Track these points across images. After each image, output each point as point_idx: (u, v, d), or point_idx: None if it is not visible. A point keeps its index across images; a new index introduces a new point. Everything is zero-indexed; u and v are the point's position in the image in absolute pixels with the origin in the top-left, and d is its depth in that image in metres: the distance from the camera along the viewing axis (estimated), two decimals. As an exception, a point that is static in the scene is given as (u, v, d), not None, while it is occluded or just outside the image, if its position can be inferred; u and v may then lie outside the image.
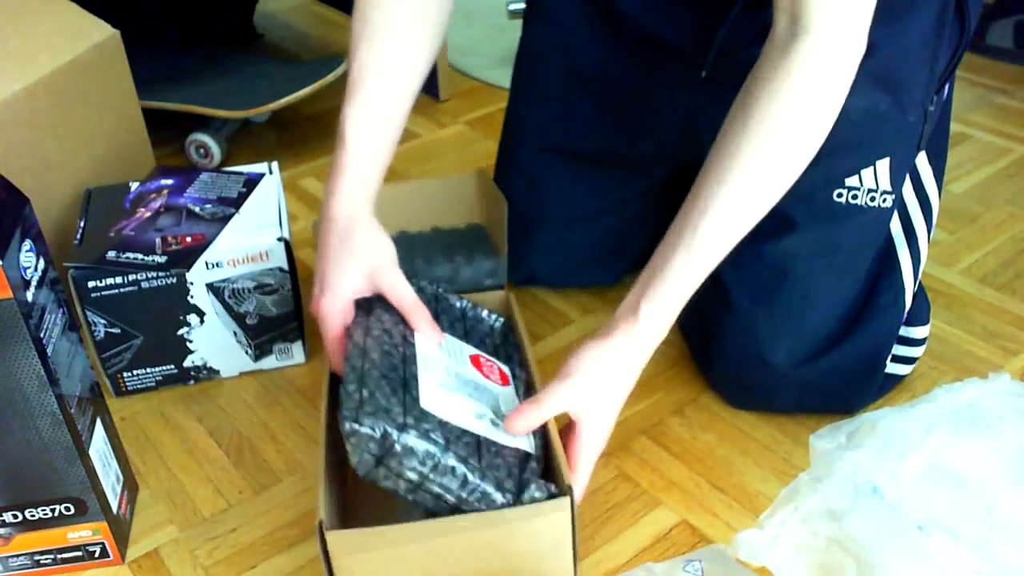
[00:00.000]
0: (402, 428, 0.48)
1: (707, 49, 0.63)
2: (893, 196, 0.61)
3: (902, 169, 0.61)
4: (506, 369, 0.60)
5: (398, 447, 0.47)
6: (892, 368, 0.66)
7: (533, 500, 0.49)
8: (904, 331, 0.65)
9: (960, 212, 0.89)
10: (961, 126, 1.04)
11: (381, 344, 0.54)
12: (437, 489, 0.49)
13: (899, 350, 0.66)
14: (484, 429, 0.52)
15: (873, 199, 0.61)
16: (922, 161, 0.64)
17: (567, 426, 0.54)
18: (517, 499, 0.49)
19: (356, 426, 0.47)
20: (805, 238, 0.61)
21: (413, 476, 0.48)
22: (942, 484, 0.52)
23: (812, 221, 0.61)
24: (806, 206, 0.60)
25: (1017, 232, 0.86)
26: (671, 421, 0.67)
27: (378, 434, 0.47)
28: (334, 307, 0.56)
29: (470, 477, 0.48)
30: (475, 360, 0.58)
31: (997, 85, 1.13)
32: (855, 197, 0.61)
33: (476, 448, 0.51)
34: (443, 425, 0.50)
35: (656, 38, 0.66)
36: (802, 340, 0.62)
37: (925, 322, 0.66)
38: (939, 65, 0.60)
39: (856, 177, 0.61)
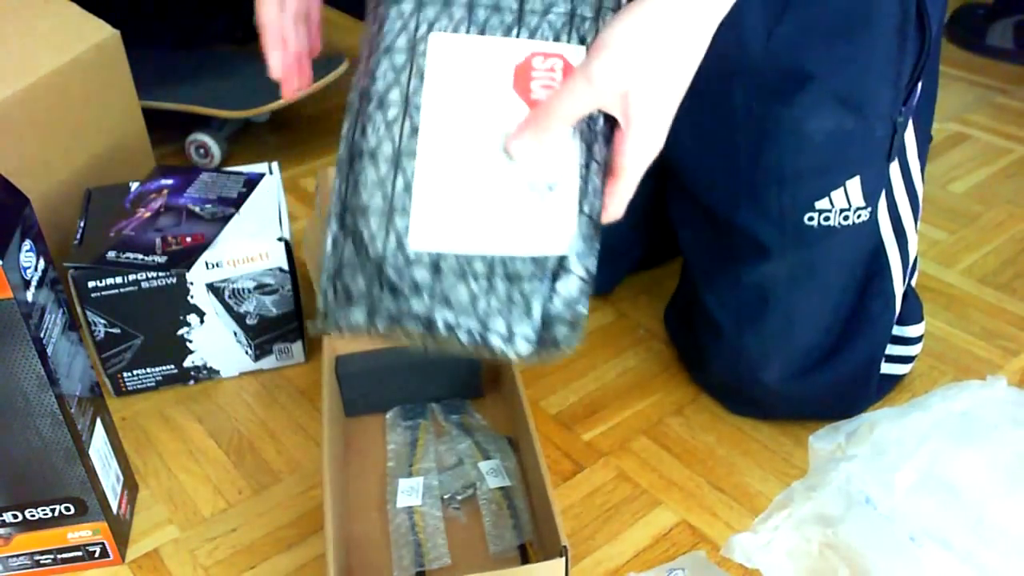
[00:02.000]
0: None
1: None
2: (869, 210, 0.60)
3: (875, 183, 0.60)
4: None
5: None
6: (891, 368, 0.66)
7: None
8: (899, 330, 0.65)
9: (960, 212, 0.89)
10: (961, 126, 1.04)
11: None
12: None
13: (896, 350, 0.66)
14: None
15: (847, 218, 0.60)
16: (912, 157, 0.64)
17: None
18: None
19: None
20: (781, 263, 0.60)
21: None
22: (934, 494, 0.53)
23: (786, 247, 0.60)
24: (778, 232, 0.60)
25: (1017, 232, 0.86)
26: (671, 421, 0.67)
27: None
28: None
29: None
30: (524, 66, 0.46)
31: (997, 85, 1.13)
32: (827, 219, 0.60)
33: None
34: None
35: None
36: (793, 358, 0.62)
37: (919, 320, 0.66)
38: (903, 79, 0.58)
39: (826, 199, 0.59)
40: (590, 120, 0.45)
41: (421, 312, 0.44)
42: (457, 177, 0.44)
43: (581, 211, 0.45)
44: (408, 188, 0.44)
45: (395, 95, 0.45)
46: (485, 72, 0.45)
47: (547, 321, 0.44)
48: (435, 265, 0.44)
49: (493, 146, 0.45)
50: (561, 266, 0.45)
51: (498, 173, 0.45)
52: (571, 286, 0.44)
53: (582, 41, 0.46)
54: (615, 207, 0.46)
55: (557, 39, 0.46)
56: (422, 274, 0.44)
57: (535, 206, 0.45)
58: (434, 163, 0.44)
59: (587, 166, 0.46)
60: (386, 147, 0.44)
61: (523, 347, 0.44)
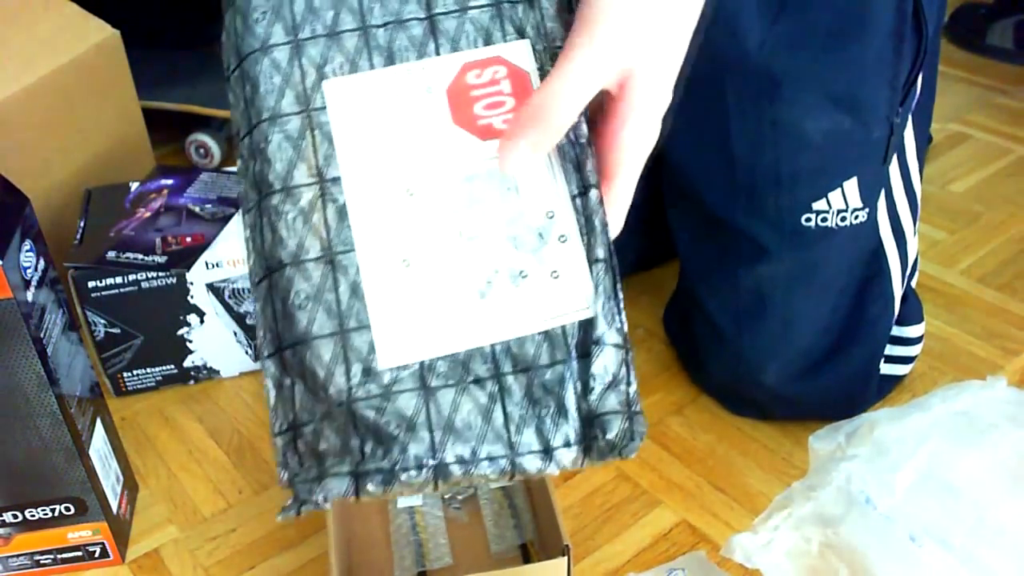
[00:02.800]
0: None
1: None
2: (867, 211, 0.60)
3: (872, 184, 0.60)
4: (533, 75, 0.36)
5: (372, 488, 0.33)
6: (891, 369, 0.66)
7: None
8: (898, 331, 0.65)
9: (960, 212, 0.89)
10: (961, 126, 1.04)
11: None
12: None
13: (896, 350, 0.66)
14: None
15: (844, 219, 0.60)
16: (911, 158, 0.64)
17: (602, 108, 0.36)
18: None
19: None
20: (779, 264, 0.60)
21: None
22: (934, 494, 0.53)
23: (783, 247, 0.60)
24: (776, 232, 0.60)
25: (1017, 232, 0.86)
26: (671, 421, 0.67)
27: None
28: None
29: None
30: (457, 87, 0.36)
31: (997, 85, 1.13)
32: (824, 220, 0.60)
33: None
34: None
35: None
36: (792, 359, 0.62)
37: (919, 320, 0.66)
38: (900, 79, 0.58)
39: (824, 200, 0.59)
40: (572, 130, 0.34)
41: (423, 454, 0.32)
42: (418, 253, 0.34)
43: (593, 256, 0.34)
44: (357, 291, 0.33)
45: (302, 174, 0.34)
46: (410, 111, 0.35)
47: (590, 416, 0.33)
48: (423, 382, 0.33)
49: (452, 201, 0.34)
50: (587, 336, 0.33)
51: (469, 233, 0.34)
52: (608, 360, 0.33)
53: (520, 33, 0.36)
54: (615, 217, 0.37)
55: (488, 40, 0.36)
56: (409, 401, 0.33)
57: (530, 265, 0.34)
58: (383, 246, 0.34)
59: (584, 194, 0.35)
60: (312, 246, 0.33)
61: (568, 458, 0.33)
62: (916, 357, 0.68)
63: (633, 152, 0.37)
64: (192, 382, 0.72)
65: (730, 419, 0.67)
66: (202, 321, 0.69)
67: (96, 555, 0.57)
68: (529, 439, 0.33)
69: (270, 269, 0.34)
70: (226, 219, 0.69)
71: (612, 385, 0.34)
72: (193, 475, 0.64)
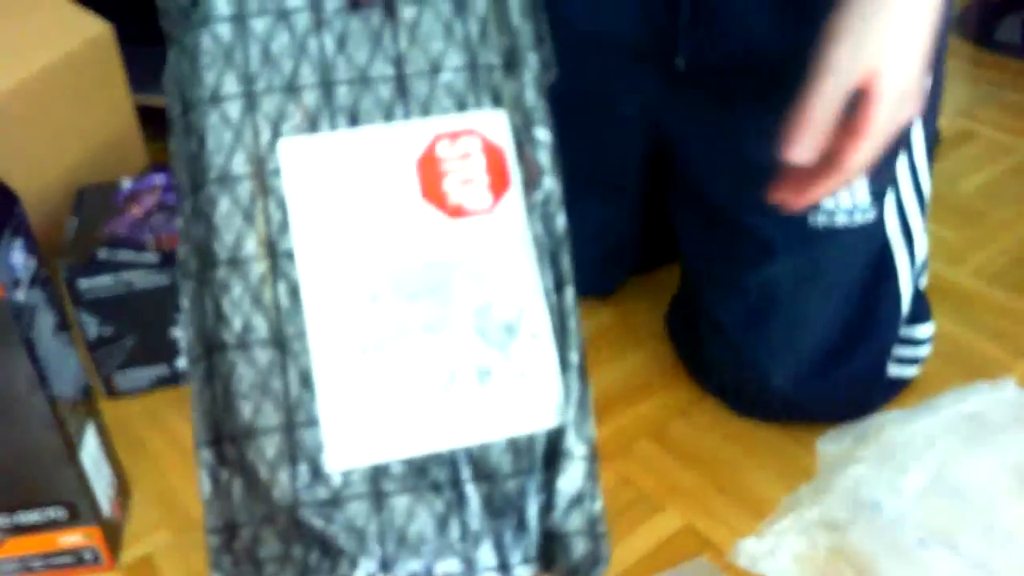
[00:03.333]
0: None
1: (667, 40, 0.58)
2: (875, 209, 0.59)
3: (881, 182, 0.59)
4: (510, 157, 0.35)
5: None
6: (899, 370, 0.66)
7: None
8: (907, 331, 0.65)
9: (968, 210, 0.88)
10: (968, 123, 1.03)
11: None
12: None
13: (904, 351, 0.65)
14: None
15: (852, 218, 0.59)
16: (919, 156, 0.63)
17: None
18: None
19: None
20: (786, 264, 0.60)
21: None
22: (943, 498, 0.52)
23: (791, 247, 0.59)
24: (783, 232, 0.59)
25: (1025, 231, 0.85)
26: (674, 424, 0.66)
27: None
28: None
29: None
30: (427, 158, 0.34)
31: (1006, 81, 1.12)
32: (833, 219, 0.59)
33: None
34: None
35: (607, 37, 0.61)
36: (799, 360, 0.61)
37: (927, 320, 0.66)
38: None
39: (832, 199, 0.58)
40: (545, 219, 0.33)
41: (373, 570, 0.30)
42: (377, 343, 0.31)
43: (566, 360, 0.32)
44: (308, 381, 0.30)
45: (251, 245, 0.31)
46: (374, 180, 0.32)
47: (552, 534, 0.32)
48: (375, 487, 0.30)
49: (416, 286, 0.32)
50: (554, 446, 0.31)
51: (433, 323, 0.31)
52: (574, 474, 0.32)
53: (497, 101, 0.33)
54: (856, 163, 0.46)
55: (463, 107, 0.33)
56: (360, 508, 0.30)
57: (497, 362, 0.32)
58: (339, 332, 0.31)
59: (559, 291, 0.33)
60: (259, 327, 0.30)
61: None
62: (925, 358, 0.67)
63: (886, 124, 0.45)
64: (185, 383, 0.71)
65: (735, 421, 0.66)
66: (197, 321, 0.68)
67: (88, 560, 0.56)
68: (486, 555, 0.31)
69: (211, 349, 0.31)
70: (221, 217, 0.69)
71: (577, 502, 0.32)
72: (186, 478, 0.63)
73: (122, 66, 0.82)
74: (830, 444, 0.57)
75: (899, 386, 0.66)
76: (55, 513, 0.53)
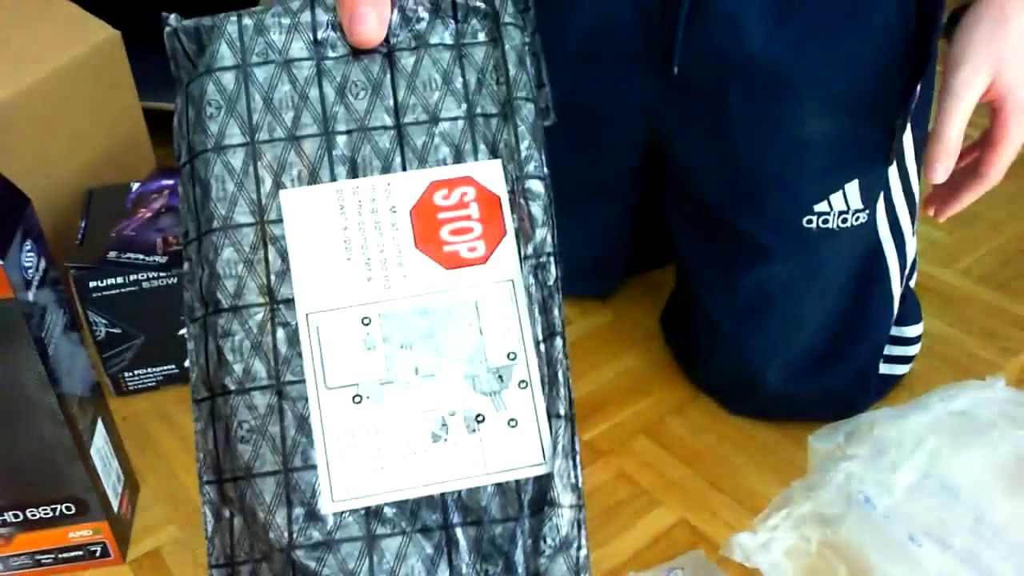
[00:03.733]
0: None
1: (663, 46, 0.58)
2: (867, 212, 0.60)
3: (873, 186, 0.60)
4: (503, 200, 0.35)
5: None
6: (890, 369, 0.67)
7: None
8: (897, 331, 0.66)
9: (959, 212, 0.89)
10: (960, 126, 1.04)
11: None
12: None
13: (894, 350, 0.66)
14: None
15: (845, 220, 0.60)
16: (910, 159, 0.64)
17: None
18: None
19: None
20: (779, 266, 0.60)
21: None
22: (933, 494, 0.53)
23: (784, 249, 0.60)
24: (777, 234, 0.60)
25: (1016, 232, 0.86)
26: (671, 421, 0.67)
27: None
28: None
29: None
30: (423, 207, 0.34)
31: (996, 85, 1.13)
32: (826, 222, 0.60)
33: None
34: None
35: (604, 43, 0.61)
36: (792, 360, 0.62)
37: (917, 320, 0.66)
38: (902, 81, 0.58)
39: (825, 202, 0.59)
40: (537, 269, 0.33)
41: None
42: (372, 389, 0.32)
43: (555, 410, 0.32)
44: (304, 426, 0.31)
45: (252, 293, 0.32)
46: (372, 230, 0.33)
47: None
48: (368, 530, 0.31)
49: (410, 334, 0.32)
50: (541, 493, 0.32)
51: (426, 370, 0.32)
52: (561, 521, 0.32)
53: (493, 151, 0.34)
54: (996, 173, 0.53)
55: (459, 156, 0.33)
56: (352, 550, 0.31)
57: (487, 409, 0.32)
58: (334, 379, 0.32)
59: (549, 340, 0.33)
60: (258, 373, 0.32)
61: None
62: (915, 357, 0.68)
63: (1018, 131, 0.51)
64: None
65: (730, 419, 0.67)
66: (203, 321, 0.69)
67: (97, 555, 0.57)
68: None
69: (213, 392, 0.32)
70: (227, 219, 0.69)
71: (563, 547, 0.32)
72: (194, 475, 0.64)
73: (130, 71, 0.83)
74: (822, 441, 0.57)
75: (890, 384, 0.67)
76: (65, 509, 0.54)
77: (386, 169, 0.34)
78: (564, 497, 0.33)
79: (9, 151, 0.71)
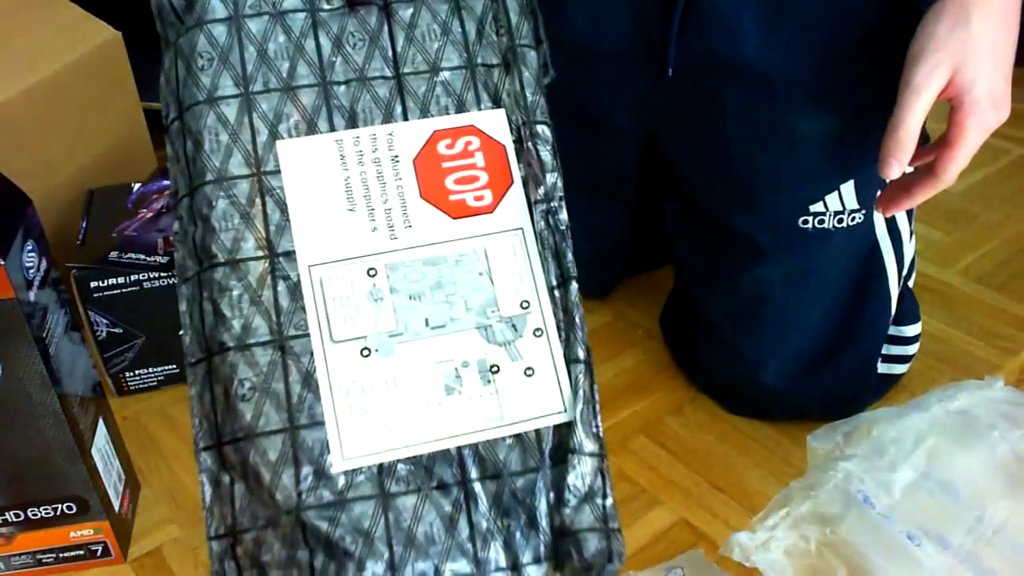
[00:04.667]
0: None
1: (658, 47, 0.58)
2: (864, 212, 0.60)
3: (869, 186, 0.60)
4: (507, 146, 0.34)
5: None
6: (888, 368, 0.67)
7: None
8: (896, 330, 0.66)
9: (957, 213, 0.89)
10: (959, 127, 1.04)
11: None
12: None
13: (893, 349, 0.66)
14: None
15: (841, 220, 0.60)
16: None
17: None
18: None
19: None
20: (776, 266, 0.60)
21: None
22: (932, 494, 0.53)
23: (781, 249, 0.60)
24: (772, 234, 0.60)
25: (1014, 232, 0.86)
26: (670, 420, 0.67)
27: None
28: None
29: None
30: (426, 157, 0.33)
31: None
32: (822, 222, 0.60)
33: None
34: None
35: (601, 45, 0.61)
36: (790, 359, 0.62)
37: (916, 319, 0.67)
38: (895, 81, 0.59)
39: (821, 203, 0.59)
40: (548, 215, 0.32)
41: (380, 573, 0.29)
42: (380, 342, 0.31)
43: (573, 355, 0.32)
44: (310, 381, 0.30)
45: (250, 245, 0.31)
46: (374, 180, 0.32)
47: (564, 531, 0.31)
48: (381, 488, 0.30)
49: (418, 285, 0.31)
50: (562, 442, 0.31)
51: (436, 321, 0.31)
52: (584, 470, 0.31)
53: (496, 100, 0.33)
54: (950, 174, 0.49)
55: (461, 106, 0.33)
56: (366, 510, 0.29)
57: (502, 359, 0.31)
58: (340, 332, 0.31)
59: (563, 286, 0.33)
60: (259, 328, 0.30)
61: None
62: (913, 356, 0.68)
63: (976, 130, 0.48)
64: (193, 382, 0.72)
65: (729, 418, 0.67)
66: (203, 321, 0.69)
67: (98, 554, 0.57)
68: (496, 555, 0.30)
69: (210, 352, 0.31)
70: (227, 220, 0.70)
71: (588, 498, 0.31)
72: (195, 474, 0.64)
73: (131, 72, 0.83)
74: (821, 441, 0.57)
75: (888, 384, 0.68)
76: (66, 508, 0.54)
77: (387, 119, 0.33)
78: (587, 444, 0.32)
79: (10, 151, 0.71)
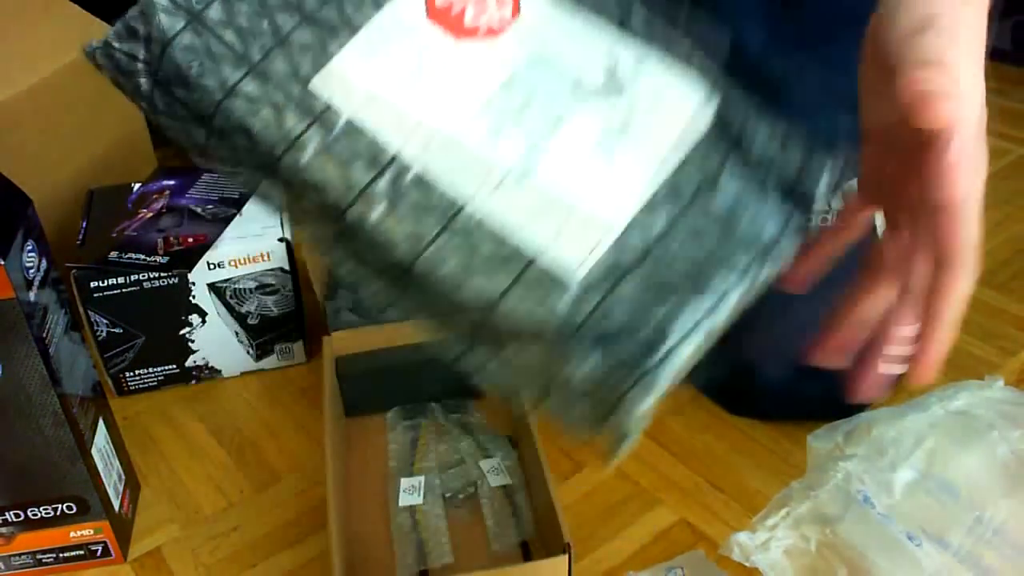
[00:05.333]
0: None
1: None
2: None
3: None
4: None
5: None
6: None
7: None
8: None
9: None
10: (959, 127, 1.04)
11: None
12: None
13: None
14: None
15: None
16: None
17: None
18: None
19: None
20: None
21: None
22: (932, 493, 0.53)
23: None
24: None
25: (1014, 233, 0.86)
26: (670, 420, 0.67)
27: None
28: None
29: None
30: (433, 10, 0.34)
31: (994, 86, 1.13)
32: (825, 220, 0.60)
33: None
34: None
35: None
36: (791, 361, 0.62)
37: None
38: None
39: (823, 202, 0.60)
40: None
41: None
42: (534, 163, 0.30)
43: (686, 59, 0.32)
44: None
45: (360, 173, 0.31)
46: (410, 57, 0.32)
47: (788, 172, 0.32)
48: (615, 271, 0.30)
49: (516, 102, 0.31)
50: (728, 119, 0.32)
51: (552, 116, 0.31)
52: (758, 128, 0.32)
53: None
54: (959, 298, 0.34)
55: None
56: (631, 293, 0.31)
57: (625, 109, 0.31)
58: (493, 182, 0.31)
59: (625, 21, 0.32)
60: (427, 224, 0.31)
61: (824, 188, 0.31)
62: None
63: (964, 181, 0.33)
64: (194, 382, 0.72)
65: (729, 419, 0.67)
66: (204, 321, 0.69)
67: (98, 554, 0.57)
68: (769, 221, 0.31)
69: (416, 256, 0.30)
70: (227, 220, 0.70)
71: (773, 137, 0.32)
72: (194, 474, 0.64)
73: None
74: (821, 441, 0.57)
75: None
76: (66, 508, 0.54)
77: (377, 6, 0.32)
78: (745, 105, 0.34)
79: (11, 152, 0.71)
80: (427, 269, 0.30)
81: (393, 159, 0.31)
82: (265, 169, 0.32)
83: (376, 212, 0.30)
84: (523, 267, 0.30)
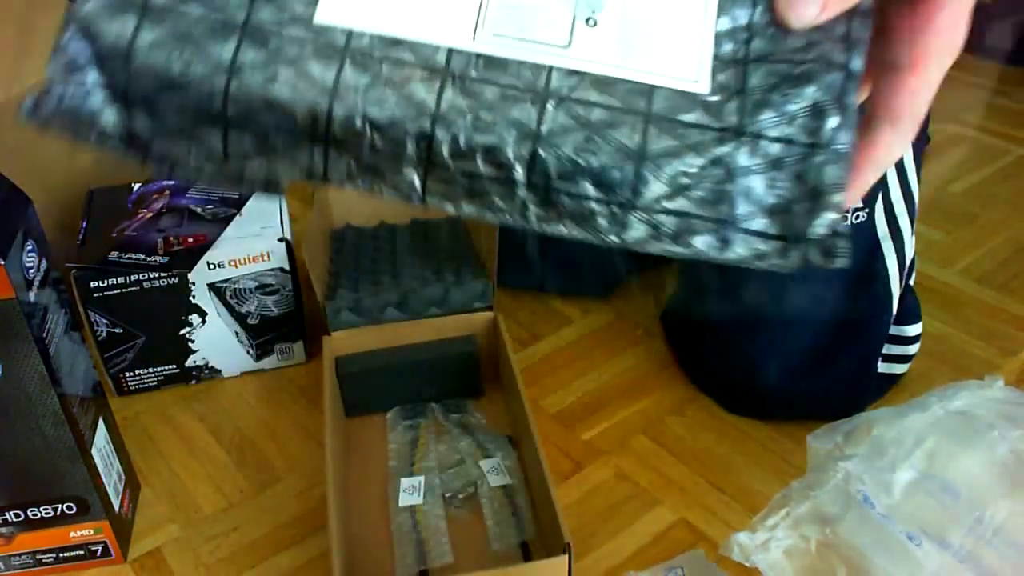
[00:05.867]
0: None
1: None
2: (866, 211, 0.60)
3: (872, 186, 0.60)
4: None
5: None
6: (889, 368, 0.67)
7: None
8: (896, 330, 0.66)
9: (958, 212, 0.90)
10: (959, 127, 1.04)
11: None
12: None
13: (893, 349, 0.66)
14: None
15: (844, 220, 0.60)
16: (908, 158, 0.64)
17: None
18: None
19: None
20: None
21: None
22: (933, 493, 0.53)
23: None
24: None
25: (1014, 232, 0.87)
26: (670, 420, 0.67)
27: None
28: None
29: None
30: None
31: (996, 86, 1.13)
32: None
33: None
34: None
35: None
36: (790, 359, 0.63)
37: (917, 319, 0.67)
38: None
39: None
40: None
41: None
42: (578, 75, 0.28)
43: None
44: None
45: (420, 90, 0.28)
46: None
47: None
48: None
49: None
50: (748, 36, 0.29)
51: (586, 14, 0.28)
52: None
53: None
54: (917, 111, 0.34)
55: None
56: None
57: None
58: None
59: None
60: (525, 123, 0.28)
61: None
62: (914, 356, 0.68)
63: (947, 42, 0.33)
64: (194, 382, 0.72)
65: (729, 418, 0.67)
66: (204, 321, 0.69)
67: (98, 554, 0.57)
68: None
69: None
70: (227, 219, 0.70)
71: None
72: (195, 474, 0.64)
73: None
74: (821, 441, 0.57)
75: (889, 384, 0.68)
76: (66, 508, 0.54)
77: None
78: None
79: (10, 152, 0.71)
80: (556, 157, 0.27)
81: (450, 55, 0.27)
82: (314, 137, 0.28)
83: (463, 123, 0.27)
84: (647, 102, 0.28)
